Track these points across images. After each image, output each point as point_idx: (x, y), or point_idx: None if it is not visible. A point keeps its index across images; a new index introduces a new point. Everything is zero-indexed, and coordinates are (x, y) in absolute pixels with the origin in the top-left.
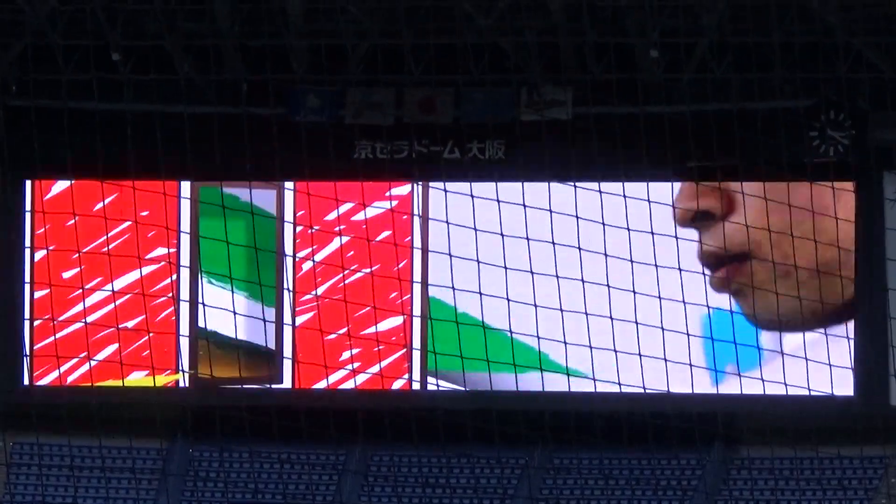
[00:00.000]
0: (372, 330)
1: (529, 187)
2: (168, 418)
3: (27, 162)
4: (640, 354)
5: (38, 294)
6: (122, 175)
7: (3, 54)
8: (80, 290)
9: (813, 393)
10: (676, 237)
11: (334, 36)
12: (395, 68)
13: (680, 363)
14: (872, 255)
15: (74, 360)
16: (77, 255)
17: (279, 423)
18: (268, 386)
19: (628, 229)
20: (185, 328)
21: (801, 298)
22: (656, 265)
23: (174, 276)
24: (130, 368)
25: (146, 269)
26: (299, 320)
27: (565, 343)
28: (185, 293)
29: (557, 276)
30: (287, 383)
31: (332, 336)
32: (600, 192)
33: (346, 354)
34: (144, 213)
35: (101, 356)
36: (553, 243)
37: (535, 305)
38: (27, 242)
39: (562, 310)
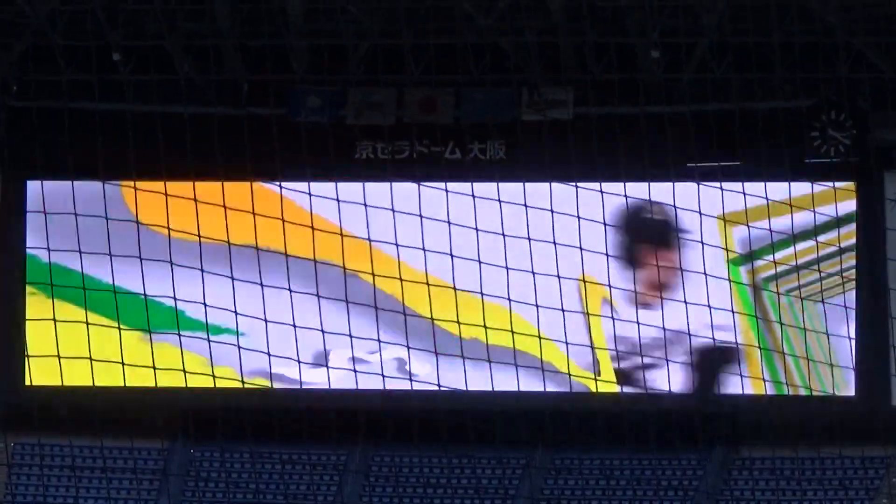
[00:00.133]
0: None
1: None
2: (169, 419)
3: (28, 162)
4: (640, 354)
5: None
6: (122, 175)
7: (3, 55)
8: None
9: (814, 393)
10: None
11: (334, 36)
12: (396, 68)
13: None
14: (873, 254)
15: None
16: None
17: (280, 423)
18: (269, 386)
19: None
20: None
21: None
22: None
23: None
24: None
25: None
26: None
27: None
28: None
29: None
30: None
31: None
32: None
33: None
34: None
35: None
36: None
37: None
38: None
39: (563, 310)
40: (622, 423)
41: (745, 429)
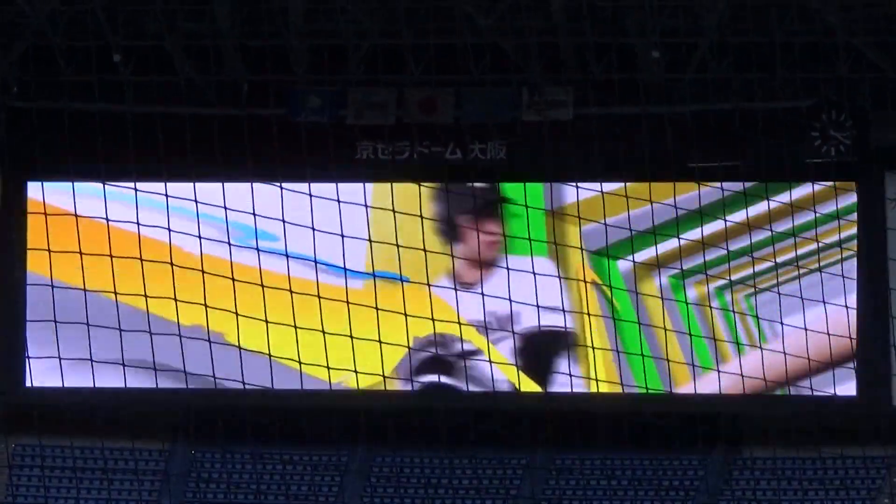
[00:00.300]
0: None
1: None
2: (170, 419)
3: (28, 163)
4: (641, 354)
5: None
6: (122, 176)
7: (4, 55)
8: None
9: (815, 393)
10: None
11: (334, 36)
12: (396, 68)
13: (681, 363)
14: (874, 254)
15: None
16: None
17: (281, 424)
18: (269, 387)
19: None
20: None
21: None
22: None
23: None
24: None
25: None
26: None
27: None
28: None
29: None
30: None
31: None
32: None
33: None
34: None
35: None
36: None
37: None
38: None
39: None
40: (623, 424)
41: (746, 429)
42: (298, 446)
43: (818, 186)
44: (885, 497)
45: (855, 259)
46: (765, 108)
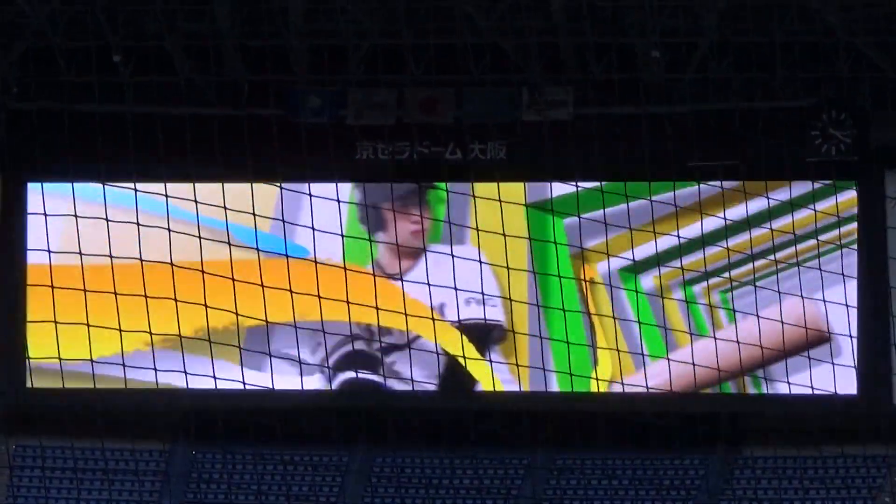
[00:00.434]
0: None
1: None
2: (170, 420)
3: (28, 163)
4: (642, 354)
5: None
6: (122, 177)
7: (4, 56)
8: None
9: (816, 392)
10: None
11: (335, 36)
12: (396, 68)
13: (683, 363)
14: (874, 253)
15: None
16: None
17: (281, 424)
18: (270, 387)
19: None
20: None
21: None
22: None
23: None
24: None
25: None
26: None
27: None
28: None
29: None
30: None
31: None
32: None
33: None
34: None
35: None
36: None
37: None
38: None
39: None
40: (624, 424)
41: (747, 428)
42: (299, 447)
43: (818, 185)
44: (886, 496)
45: (855, 258)
46: (765, 107)
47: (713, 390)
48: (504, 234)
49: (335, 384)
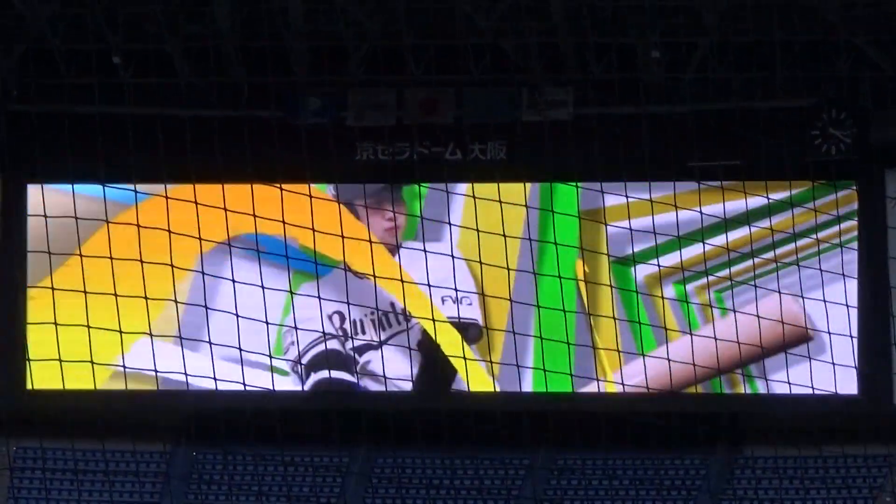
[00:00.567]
0: None
1: None
2: (171, 421)
3: (28, 166)
4: (643, 354)
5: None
6: (123, 179)
7: (4, 58)
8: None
9: (817, 392)
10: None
11: (335, 37)
12: (396, 69)
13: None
14: (874, 253)
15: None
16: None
17: (282, 425)
18: (271, 388)
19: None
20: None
21: None
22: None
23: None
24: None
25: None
26: None
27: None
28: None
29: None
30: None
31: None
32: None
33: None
34: None
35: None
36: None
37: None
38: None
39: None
40: (625, 424)
41: (748, 428)
42: (299, 447)
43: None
44: (887, 495)
45: (856, 257)
46: (765, 107)
47: (705, 388)
48: (477, 230)
49: (307, 385)
